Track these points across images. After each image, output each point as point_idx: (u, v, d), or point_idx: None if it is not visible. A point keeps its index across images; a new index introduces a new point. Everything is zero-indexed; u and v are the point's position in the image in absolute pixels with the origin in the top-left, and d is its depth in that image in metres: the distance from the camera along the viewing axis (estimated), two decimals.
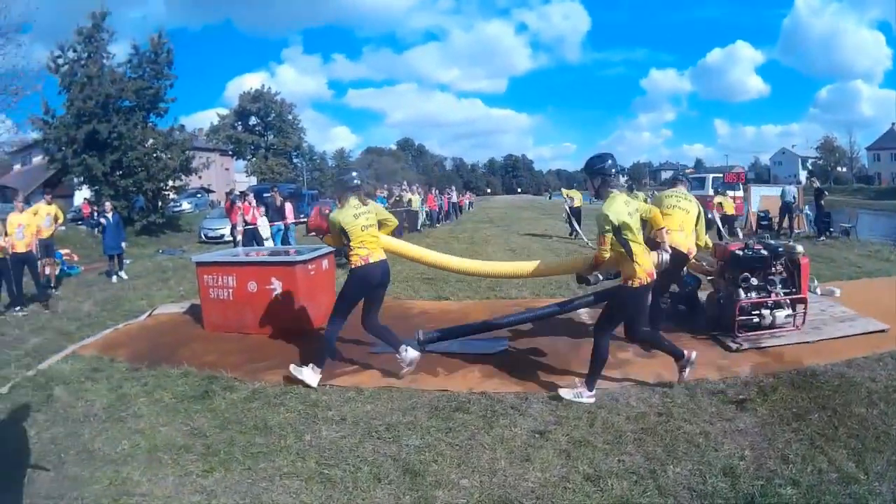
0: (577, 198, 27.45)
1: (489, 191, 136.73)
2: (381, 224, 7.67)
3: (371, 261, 7.31)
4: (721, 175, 32.39)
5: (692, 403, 6.12)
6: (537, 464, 5.11)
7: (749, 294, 8.49)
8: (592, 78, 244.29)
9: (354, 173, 7.91)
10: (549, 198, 69.10)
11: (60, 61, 31.64)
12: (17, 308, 13.31)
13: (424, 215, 32.12)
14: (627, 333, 6.98)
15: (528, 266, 8.20)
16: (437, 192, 42.90)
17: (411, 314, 11.28)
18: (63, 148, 31.24)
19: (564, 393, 6.55)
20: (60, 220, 17.98)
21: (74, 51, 31.91)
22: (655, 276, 6.55)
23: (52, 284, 16.65)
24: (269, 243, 17.30)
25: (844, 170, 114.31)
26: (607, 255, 6.43)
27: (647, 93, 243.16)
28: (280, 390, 7.34)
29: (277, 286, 10.12)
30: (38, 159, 47.15)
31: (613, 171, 6.63)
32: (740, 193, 28.61)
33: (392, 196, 27.48)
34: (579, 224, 25.18)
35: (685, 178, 10.03)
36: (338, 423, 6.26)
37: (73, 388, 7.93)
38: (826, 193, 23.83)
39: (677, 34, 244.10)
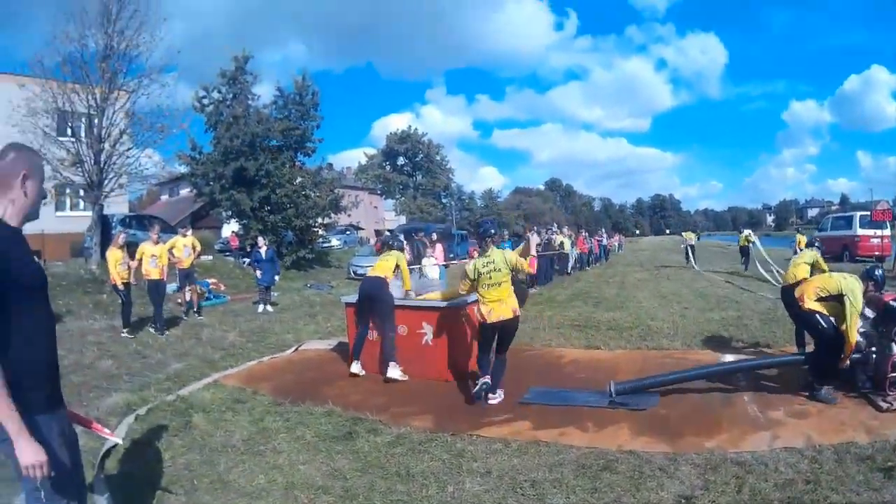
0: (692, 237, 39.03)
1: (637, 232, 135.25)
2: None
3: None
4: (868, 213, 31.35)
5: (840, 470, 5.91)
6: None
7: None
8: (734, 113, 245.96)
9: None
10: (698, 238, 68.91)
11: (206, 101, 32.82)
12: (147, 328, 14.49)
13: (575, 258, 32.04)
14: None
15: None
16: (587, 234, 42.74)
17: (562, 363, 11.29)
18: (211, 183, 32.27)
19: None
20: (198, 250, 18.73)
21: (219, 92, 33.10)
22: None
23: (196, 309, 17.60)
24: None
25: None
26: (463, 292, 9.16)
27: (789, 126, 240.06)
28: (425, 437, 7.41)
29: (428, 331, 10.17)
30: (185, 191, 49.06)
31: (487, 235, 8.93)
32: (888, 232, 27.72)
33: (542, 239, 27.43)
34: (695, 257, 35.36)
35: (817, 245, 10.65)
36: (482, 476, 6.28)
37: (212, 417, 8.29)
38: None
39: (813, 62, 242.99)
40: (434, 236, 21.59)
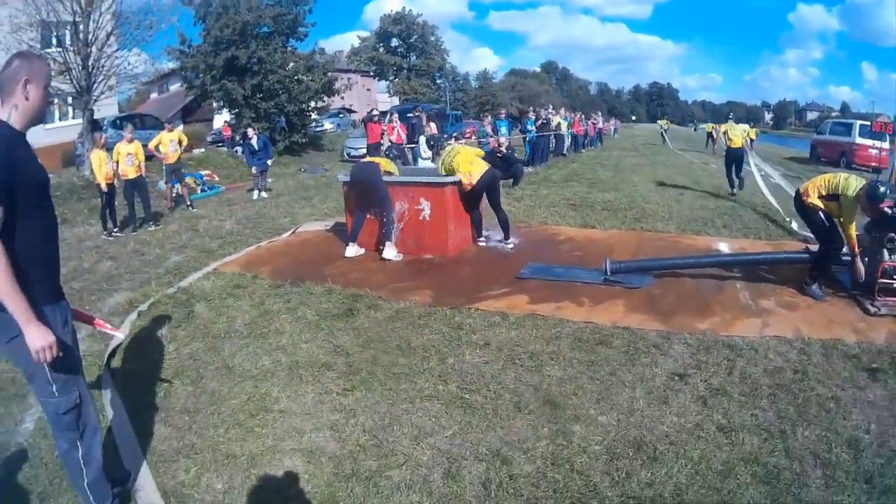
0: (665, 124, 53.20)
1: (634, 118, 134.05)
2: None
3: None
4: (868, 122, 31.24)
5: (827, 364, 6.07)
6: (674, 407, 5.25)
7: (894, 257, 8.13)
8: (739, 6, 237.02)
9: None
10: (695, 129, 70.53)
11: None
12: (127, 228, 14.83)
13: (570, 139, 31.97)
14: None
15: None
16: (583, 116, 42.53)
17: (557, 240, 11.50)
18: (201, 75, 32.02)
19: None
20: (185, 144, 18.70)
21: None
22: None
23: (189, 203, 17.69)
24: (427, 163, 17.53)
25: None
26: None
27: (794, 27, 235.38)
28: (424, 311, 7.61)
29: (426, 207, 10.29)
30: (175, 87, 48.45)
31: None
32: (887, 145, 27.73)
33: (539, 118, 27.37)
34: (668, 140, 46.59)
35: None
36: (481, 348, 6.50)
37: (214, 305, 8.42)
38: None
39: None
40: (425, 117, 21.83)
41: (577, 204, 14.97)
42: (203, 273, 10.10)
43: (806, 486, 4.23)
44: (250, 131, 20.84)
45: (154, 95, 63.18)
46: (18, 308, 3.17)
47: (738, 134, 17.58)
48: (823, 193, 8.33)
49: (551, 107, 38.02)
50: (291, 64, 34.65)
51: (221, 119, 41.37)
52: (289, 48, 35.40)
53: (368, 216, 10.64)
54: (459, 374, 5.95)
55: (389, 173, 10.72)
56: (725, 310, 7.70)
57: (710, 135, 44.01)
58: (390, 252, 10.12)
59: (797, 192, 8.85)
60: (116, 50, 24.04)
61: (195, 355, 6.78)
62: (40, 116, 3.58)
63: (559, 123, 29.16)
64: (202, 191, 21.39)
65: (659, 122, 60.27)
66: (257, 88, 32.48)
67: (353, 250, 10.50)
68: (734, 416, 5.13)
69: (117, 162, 14.84)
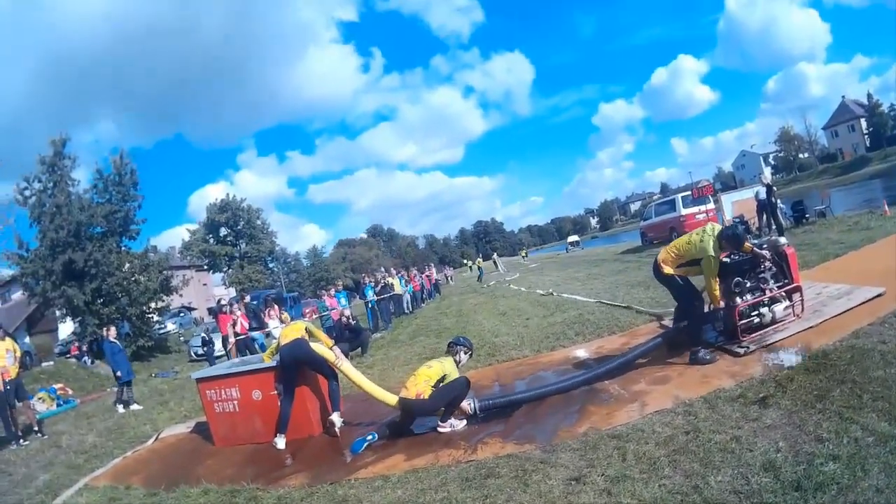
0: (481, 263, 56.33)
1: (466, 262, 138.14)
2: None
3: None
4: (689, 192, 32.61)
5: (716, 414, 6.12)
6: None
7: (744, 297, 8.53)
8: (547, 126, 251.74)
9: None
10: (525, 256, 73.23)
11: (27, 193, 31.87)
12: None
13: (409, 297, 32.13)
14: None
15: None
16: (417, 271, 43.05)
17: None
18: (41, 281, 31.27)
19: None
20: (18, 354, 17.64)
21: (40, 181, 32.15)
22: None
23: (37, 429, 15.49)
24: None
25: (806, 155, 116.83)
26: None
27: (601, 129, 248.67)
28: (306, 493, 7.21)
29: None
30: (17, 295, 46.98)
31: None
32: (712, 206, 28.83)
33: (377, 283, 27.54)
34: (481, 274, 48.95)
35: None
36: None
37: None
38: (775, 189, 23.98)
39: (620, 62, 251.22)
40: (268, 300, 21.76)
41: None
42: (75, 490, 9.47)
43: None
44: (113, 331, 19.06)
45: None
46: None
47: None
48: (682, 263, 8.62)
49: (383, 269, 38.36)
50: (127, 265, 33.77)
51: (66, 329, 39.67)
52: (123, 248, 34.57)
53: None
54: None
55: (314, 336, 10.24)
56: (601, 407, 7.67)
57: (478, 268, 52.25)
58: (338, 420, 9.62)
59: (655, 262, 9.05)
60: None
61: None
62: None
63: (391, 283, 29.28)
64: (58, 405, 20.22)
65: (466, 261, 68.66)
66: (97, 293, 31.31)
67: (282, 441, 9.67)
68: (642, 493, 4.95)
69: None
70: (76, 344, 33.27)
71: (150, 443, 11.86)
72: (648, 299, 14.29)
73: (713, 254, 8.10)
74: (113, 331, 18.93)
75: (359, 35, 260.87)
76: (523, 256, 67.21)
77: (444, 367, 8.62)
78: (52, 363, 29.02)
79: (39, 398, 17.94)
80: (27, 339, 17.37)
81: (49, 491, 9.70)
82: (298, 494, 7.21)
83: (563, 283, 25.37)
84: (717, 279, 8.29)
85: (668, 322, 9.70)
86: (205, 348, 27.67)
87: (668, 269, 8.66)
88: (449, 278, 59.82)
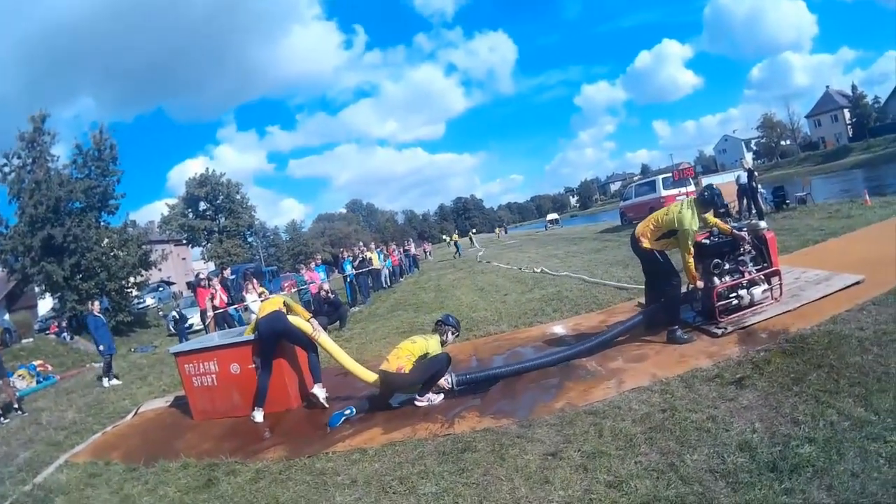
0: (456, 237, 58.34)
1: (445, 237, 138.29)
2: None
3: None
4: (670, 174, 32.70)
5: (692, 394, 6.16)
6: (557, 483, 5.06)
7: (723, 279, 8.60)
8: (529, 105, 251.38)
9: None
10: (506, 232, 73.61)
11: (6, 169, 31.97)
12: None
13: (388, 272, 32.03)
14: None
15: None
16: (396, 246, 42.90)
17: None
18: (20, 257, 31.44)
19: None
20: None
21: (19, 157, 32.21)
22: None
23: (17, 407, 15.48)
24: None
25: (788, 142, 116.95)
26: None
27: (583, 109, 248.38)
28: (283, 465, 7.24)
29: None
30: None
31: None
32: (692, 188, 28.87)
33: (356, 258, 27.47)
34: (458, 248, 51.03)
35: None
36: (349, 487, 6.13)
37: (73, 498, 7.89)
38: (756, 173, 24.13)
39: (604, 44, 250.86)
40: (247, 274, 21.74)
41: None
42: (56, 466, 9.44)
43: (715, 500, 4.26)
44: (96, 305, 18.94)
45: None
46: None
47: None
48: (659, 234, 8.59)
49: (362, 243, 38.29)
50: (106, 240, 33.82)
51: (45, 305, 39.81)
52: (102, 223, 34.63)
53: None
54: None
55: (292, 310, 10.09)
56: (578, 383, 7.69)
57: (455, 244, 53.94)
58: (321, 392, 9.51)
59: (633, 236, 9.07)
60: None
61: None
62: None
63: (369, 258, 29.18)
64: (38, 382, 20.15)
65: (444, 236, 70.04)
66: (76, 268, 32.00)
67: (260, 415, 9.65)
68: (618, 470, 4.99)
69: None
70: (55, 323, 33.08)
71: (129, 418, 11.88)
72: (626, 277, 14.37)
73: (688, 227, 8.13)
74: (97, 305, 18.87)
75: (341, 11, 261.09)
76: (498, 235, 68.12)
77: (429, 345, 8.58)
78: (31, 340, 28.92)
79: (19, 375, 17.82)
80: (6, 317, 17.22)
81: (30, 468, 9.69)
82: (276, 468, 7.23)
83: (541, 260, 25.25)
84: (692, 254, 8.28)
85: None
86: (175, 326, 27.84)
87: (646, 243, 8.68)
88: (428, 253, 59.65)
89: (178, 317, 27.67)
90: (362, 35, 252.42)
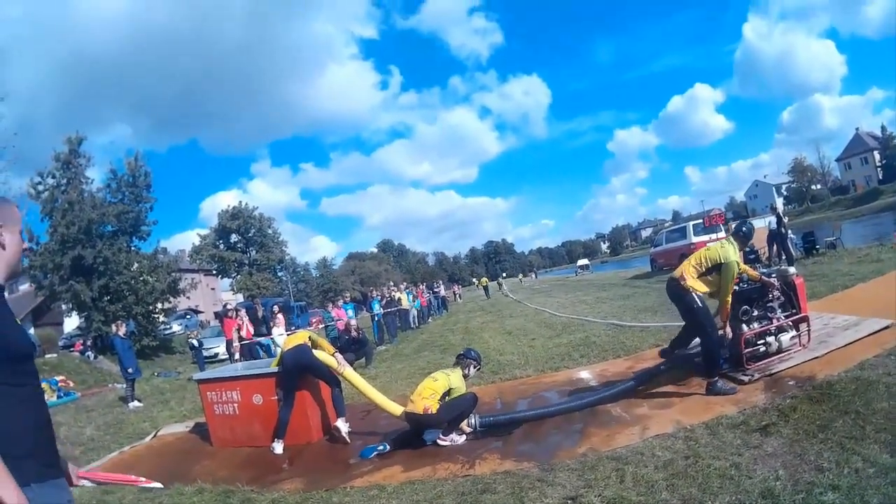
0: (485, 281, 61.85)
1: (475, 281, 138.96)
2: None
3: None
4: (701, 220, 32.59)
5: (716, 441, 6.06)
6: None
7: (751, 325, 8.48)
8: (562, 150, 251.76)
9: None
10: (535, 276, 74.26)
11: (40, 188, 32.27)
12: None
13: (415, 312, 31.96)
14: None
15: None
16: (426, 287, 42.85)
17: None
18: (49, 275, 31.64)
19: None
20: None
21: (53, 177, 32.59)
22: None
23: None
24: None
25: (819, 187, 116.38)
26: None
27: (616, 155, 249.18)
28: (300, 498, 7.18)
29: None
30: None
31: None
32: (723, 235, 28.71)
33: (384, 297, 27.54)
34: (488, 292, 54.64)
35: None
36: None
37: None
38: (785, 219, 24.20)
39: (637, 89, 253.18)
40: (276, 309, 21.81)
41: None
42: None
43: None
44: (123, 327, 19.49)
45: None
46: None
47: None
48: (703, 270, 8.43)
49: (392, 283, 38.45)
50: (136, 264, 34.09)
51: (71, 323, 39.95)
52: (132, 248, 34.97)
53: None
54: None
55: (317, 345, 10.09)
56: (602, 428, 7.60)
57: (485, 287, 57.37)
58: (344, 426, 9.53)
59: (671, 278, 8.87)
60: None
61: None
62: (19, 267, 3.06)
63: (400, 299, 29.16)
64: (58, 397, 20.10)
65: (474, 279, 72.25)
66: (104, 290, 32.26)
67: (280, 447, 9.61)
68: None
69: None
70: (80, 341, 33.31)
71: (147, 440, 11.94)
72: (655, 323, 14.20)
73: (733, 259, 8.07)
74: (123, 327, 19.14)
75: (378, 52, 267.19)
76: (521, 280, 69.89)
77: (451, 380, 8.58)
78: (55, 355, 29.01)
79: None
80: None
81: None
82: (293, 499, 7.19)
83: (570, 305, 25.19)
84: (731, 293, 8.20)
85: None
86: (194, 352, 28.38)
87: (689, 281, 8.42)
88: (458, 296, 59.83)
89: (196, 344, 27.98)
90: (398, 76, 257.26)
